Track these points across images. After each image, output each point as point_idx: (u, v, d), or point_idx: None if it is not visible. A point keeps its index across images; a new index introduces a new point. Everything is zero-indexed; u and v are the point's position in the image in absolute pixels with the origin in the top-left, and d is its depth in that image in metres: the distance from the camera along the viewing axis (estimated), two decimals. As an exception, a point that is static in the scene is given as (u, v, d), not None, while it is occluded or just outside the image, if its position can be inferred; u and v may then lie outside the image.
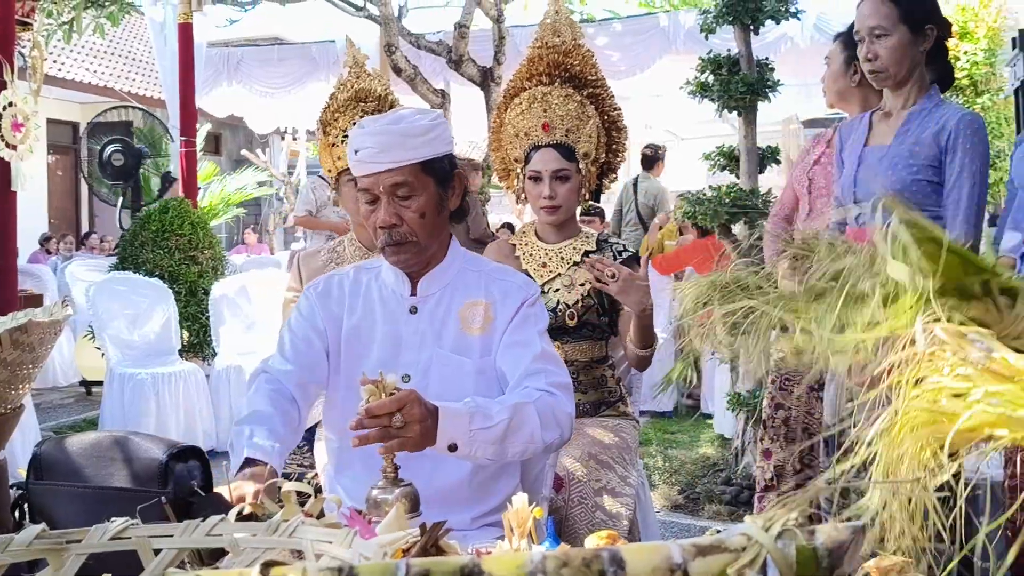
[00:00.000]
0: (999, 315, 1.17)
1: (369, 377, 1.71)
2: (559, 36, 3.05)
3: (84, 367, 8.10)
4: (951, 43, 2.94)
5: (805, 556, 0.58)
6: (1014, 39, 5.29)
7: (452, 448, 1.82)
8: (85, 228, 16.78)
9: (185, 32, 8.02)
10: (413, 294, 2.15)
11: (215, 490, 1.55)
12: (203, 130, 12.16)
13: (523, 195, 3.01)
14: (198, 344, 6.89)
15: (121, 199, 8.28)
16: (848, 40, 3.35)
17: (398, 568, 0.56)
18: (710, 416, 6.62)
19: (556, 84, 3.00)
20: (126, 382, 5.84)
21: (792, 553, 0.58)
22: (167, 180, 8.23)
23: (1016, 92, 5.10)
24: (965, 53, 6.70)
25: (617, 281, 2.62)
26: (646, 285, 2.69)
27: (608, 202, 9.40)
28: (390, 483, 1.67)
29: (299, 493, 1.18)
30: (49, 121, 16.49)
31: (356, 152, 2.03)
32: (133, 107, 9.61)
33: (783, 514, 0.60)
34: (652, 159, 8.89)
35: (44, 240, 13.83)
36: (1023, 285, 1.20)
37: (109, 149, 8.19)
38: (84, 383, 8.30)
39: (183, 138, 8.06)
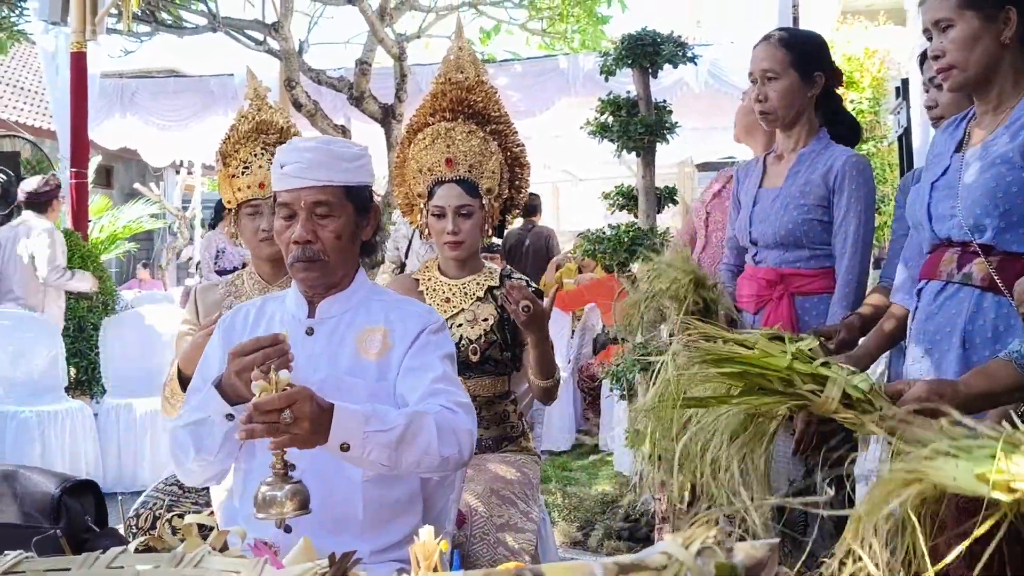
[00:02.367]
0: (811, 401, 1.26)
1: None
2: (462, 72, 3.07)
3: (-38, 405, 7.74)
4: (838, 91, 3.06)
5: (724, 573, 0.59)
6: (897, 88, 5.51)
7: (345, 448, 1.81)
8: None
9: (78, 62, 7.82)
10: (311, 316, 2.15)
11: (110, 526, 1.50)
12: (94, 162, 11.85)
13: (426, 230, 3.01)
14: (86, 381, 6.67)
15: (0, 230, 7.98)
16: None
17: (317, 591, 0.54)
18: (609, 454, 6.66)
19: (459, 120, 3.02)
20: (9, 420, 5.60)
21: (711, 570, 0.59)
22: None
23: (900, 139, 5.31)
24: (851, 102, 6.97)
25: (530, 313, 2.65)
26: (545, 316, 2.74)
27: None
28: (279, 479, 1.66)
29: (200, 526, 1.15)
30: (-70, 150, 15.89)
31: (282, 167, 2.06)
32: (21, 137, 9.33)
33: (702, 532, 0.61)
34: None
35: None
36: (831, 372, 1.28)
37: (-11, 180, 7.91)
38: (-38, 422, 7.93)
39: (74, 169, 7.83)
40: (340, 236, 2.08)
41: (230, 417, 1.93)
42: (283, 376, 1.71)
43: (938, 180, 2.12)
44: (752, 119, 3.49)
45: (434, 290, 2.98)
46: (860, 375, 1.38)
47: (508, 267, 3.18)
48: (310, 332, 2.14)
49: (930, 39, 2.09)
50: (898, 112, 5.33)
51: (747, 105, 3.52)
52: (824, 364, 1.31)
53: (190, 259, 15.80)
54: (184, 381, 2.67)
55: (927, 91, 2.84)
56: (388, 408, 1.94)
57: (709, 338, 1.36)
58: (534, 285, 3.03)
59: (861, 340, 2.53)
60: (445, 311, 2.91)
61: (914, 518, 1.06)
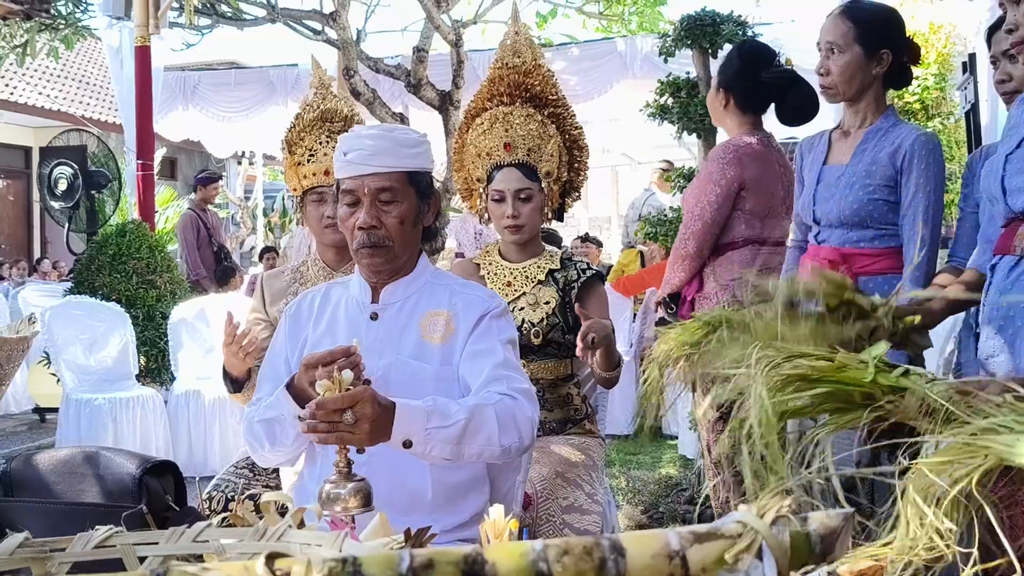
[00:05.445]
0: (891, 411, 1.24)
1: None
2: (519, 57, 3.08)
3: (37, 394, 7.94)
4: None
5: (799, 542, 0.60)
6: (964, 63, 5.40)
7: (407, 445, 1.84)
8: (38, 254, 16.54)
9: (142, 55, 7.97)
10: (375, 302, 2.17)
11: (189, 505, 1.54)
12: (159, 154, 12.08)
13: (486, 215, 3.02)
14: (156, 369, 6.80)
15: (68, 222, 8.17)
16: (720, 68, 3.54)
17: (402, 558, 0.56)
18: (672, 437, 6.65)
19: (517, 104, 3.03)
20: (82, 408, 5.76)
21: (786, 539, 0.60)
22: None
23: (967, 115, 5.20)
24: (916, 78, 6.83)
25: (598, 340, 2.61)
26: (603, 320, 2.72)
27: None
28: (343, 478, 1.69)
29: (277, 504, 1.18)
30: (1, 145, 16.28)
31: (346, 154, 2.09)
32: (87, 131, 9.52)
33: (777, 502, 0.61)
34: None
35: (-5, 266, 13.60)
36: (909, 384, 1.26)
37: (55, 173, 8.09)
38: (37, 410, 8.15)
39: (140, 161, 7.99)
40: (403, 221, 2.10)
41: (302, 418, 1.98)
42: (346, 376, 1.74)
43: (1013, 153, 2.07)
44: (715, 106, 3.50)
45: (495, 274, 2.99)
46: (940, 383, 1.35)
47: (568, 249, 3.19)
48: (374, 317, 2.17)
49: (1005, 11, 2.04)
50: (965, 88, 5.23)
51: (711, 93, 3.53)
52: (904, 374, 1.29)
53: (252, 248, 16.03)
54: (231, 380, 2.76)
55: (995, 65, 2.78)
56: (448, 401, 1.95)
57: (791, 357, 1.34)
58: (594, 268, 3.03)
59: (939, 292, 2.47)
60: (507, 295, 2.92)
61: (976, 494, 1.05)
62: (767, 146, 3.32)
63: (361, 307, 2.19)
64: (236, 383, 2.77)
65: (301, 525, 1.12)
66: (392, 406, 1.82)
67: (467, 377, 2.11)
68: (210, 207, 9.43)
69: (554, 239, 8.56)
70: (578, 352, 2.66)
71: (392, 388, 2.07)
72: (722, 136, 5.25)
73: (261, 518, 1.13)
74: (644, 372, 1.73)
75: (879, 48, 2.74)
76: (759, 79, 3.32)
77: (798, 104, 3.26)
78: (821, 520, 0.62)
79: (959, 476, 1.05)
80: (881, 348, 1.39)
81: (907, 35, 2.87)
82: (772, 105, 3.41)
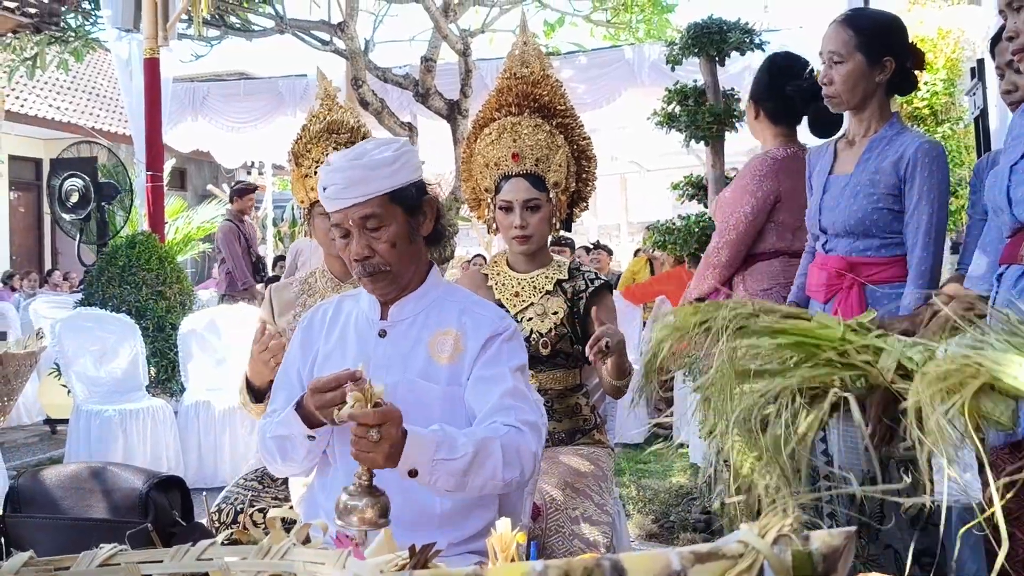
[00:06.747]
0: (866, 371, 1.24)
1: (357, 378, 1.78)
2: (527, 67, 3.08)
3: (48, 405, 7.96)
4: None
5: (801, 561, 0.59)
6: (973, 68, 5.39)
7: (412, 474, 1.84)
8: (49, 265, 16.60)
9: (151, 67, 8.00)
10: (384, 318, 2.17)
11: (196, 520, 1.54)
12: (168, 165, 12.13)
13: (494, 225, 3.02)
14: (166, 380, 6.82)
15: (79, 234, 8.20)
16: (753, 80, 3.60)
17: (403, 580, 0.56)
18: (683, 445, 6.63)
19: (525, 114, 3.02)
20: (92, 419, 5.76)
21: (788, 558, 0.59)
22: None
23: (976, 120, 5.19)
24: (925, 83, 6.81)
25: (612, 346, 2.59)
26: (614, 327, 2.70)
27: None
28: (363, 491, 1.68)
29: (282, 520, 1.18)
30: (11, 158, 16.37)
31: (324, 189, 2.07)
32: (97, 143, 9.56)
33: (778, 521, 0.61)
34: None
35: (7, 277, 13.66)
36: (886, 344, 1.25)
37: (66, 185, 8.12)
38: (48, 421, 8.17)
39: (149, 172, 8.02)
40: (395, 243, 2.09)
41: (311, 437, 2.01)
42: (378, 388, 1.74)
43: (1017, 163, 2.06)
44: (749, 118, 3.58)
45: (503, 284, 2.99)
46: (916, 347, 1.34)
47: (576, 260, 3.18)
48: (383, 334, 2.17)
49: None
50: (974, 93, 5.21)
51: (747, 104, 3.59)
52: (880, 336, 1.28)
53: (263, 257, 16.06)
54: (253, 391, 2.74)
55: (1001, 76, 2.77)
56: (456, 433, 1.94)
57: (768, 311, 1.34)
58: (603, 278, 3.03)
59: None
60: (515, 305, 2.92)
61: (968, 419, 1.04)
62: (800, 159, 3.32)
63: (370, 323, 2.19)
64: (258, 394, 2.74)
65: (307, 541, 1.11)
66: (405, 433, 1.81)
67: (472, 402, 2.10)
68: (247, 218, 9.45)
69: (568, 244, 8.56)
70: (588, 355, 2.63)
71: (398, 405, 2.07)
72: (732, 144, 5.25)
73: (267, 534, 1.12)
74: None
75: (881, 56, 2.73)
76: (785, 92, 3.36)
77: (822, 116, 3.26)
78: (823, 539, 0.61)
79: (954, 388, 1.05)
80: (869, 313, 1.38)
81: (910, 41, 2.86)
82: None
